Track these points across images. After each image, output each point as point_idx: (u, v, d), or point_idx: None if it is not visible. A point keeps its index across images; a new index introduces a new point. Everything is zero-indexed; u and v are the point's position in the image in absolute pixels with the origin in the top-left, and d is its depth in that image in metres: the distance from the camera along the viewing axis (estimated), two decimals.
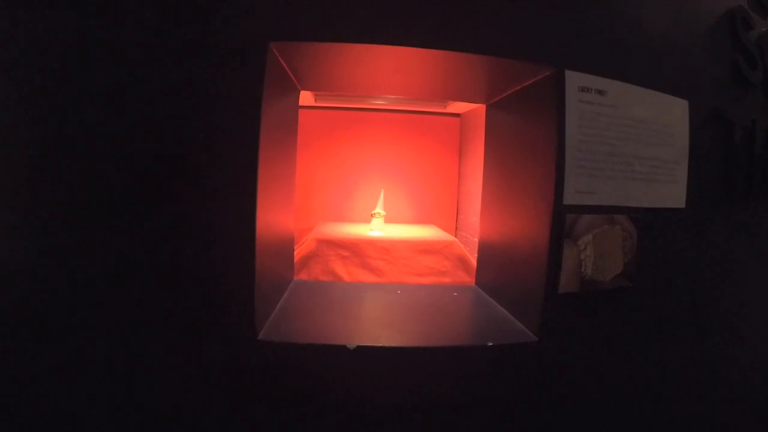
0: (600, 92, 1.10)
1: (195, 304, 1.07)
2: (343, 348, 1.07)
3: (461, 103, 2.72)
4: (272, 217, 1.17)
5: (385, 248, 1.89)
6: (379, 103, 3.04)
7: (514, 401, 1.14)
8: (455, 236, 2.80)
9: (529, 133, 1.25)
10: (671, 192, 1.23)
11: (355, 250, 1.89)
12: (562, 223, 1.07)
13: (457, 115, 3.26)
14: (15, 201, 1.06)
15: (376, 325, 1.22)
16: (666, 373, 1.27)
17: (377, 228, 2.35)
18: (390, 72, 1.30)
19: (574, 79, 1.07)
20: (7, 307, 1.08)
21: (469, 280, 1.81)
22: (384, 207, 2.57)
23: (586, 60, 1.11)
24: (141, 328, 1.07)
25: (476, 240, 1.92)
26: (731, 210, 1.31)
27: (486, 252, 1.59)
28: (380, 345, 1.09)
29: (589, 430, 1.21)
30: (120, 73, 1.02)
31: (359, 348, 1.07)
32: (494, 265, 1.50)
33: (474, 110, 2.90)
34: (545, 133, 1.15)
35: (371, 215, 2.46)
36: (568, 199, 1.07)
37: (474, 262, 1.84)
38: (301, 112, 1.53)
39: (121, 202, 1.05)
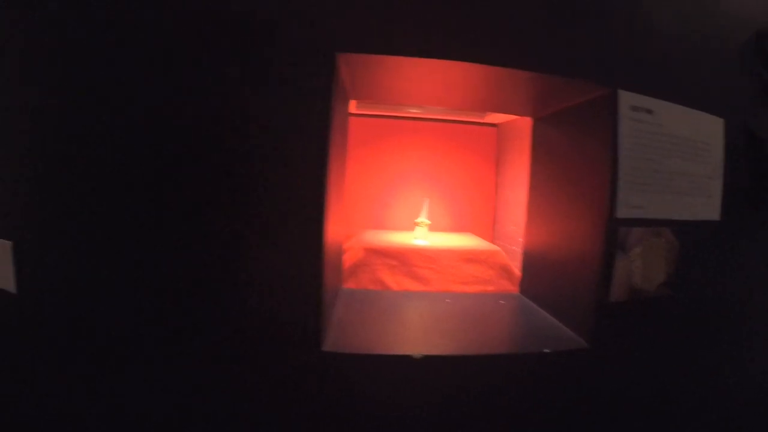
0: (648, 111, 1.15)
1: (260, 316, 1.08)
2: (407, 358, 1.09)
3: (499, 113, 2.74)
4: (330, 226, 1.20)
5: (431, 257, 1.92)
6: (415, 112, 3.08)
7: (570, 406, 1.18)
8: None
9: (580, 148, 1.29)
10: (707, 205, 1.27)
11: (403, 259, 1.92)
12: (615, 235, 1.11)
13: (494, 125, 3.29)
14: (76, 208, 1.07)
15: (432, 334, 1.25)
16: (708, 378, 1.32)
17: (421, 237, 2.38)
18: (439, 84, 1.34)
19: (626, 99, 1.12)
20: (63, 327, 1.09)
21: (512, 288, 1.83)
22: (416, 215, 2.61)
23: (636, 80, 1.15)
24: (205, 342, 1.08)
25: (515, 248, 1.95)
26: (762, 222, 1.35)
27: (531, 261, 1.62)
28: (444, 354, 1.11)
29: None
30: (187, 83, 1.04)
31: (425, 357, 1.09)
32: (540, 273, 1.53)
33: (512, 121, 2.93)
34: (597, 149, 1.19)
35: (415, 224, 2.50)
36: (620, 212, 1.11)
37: (516, 270, 1.87)
38: None
39: (190, 215, 1.06)
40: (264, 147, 1.05)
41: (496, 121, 3.21)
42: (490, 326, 1.33)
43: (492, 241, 3.20)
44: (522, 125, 2.20)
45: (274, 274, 1.07)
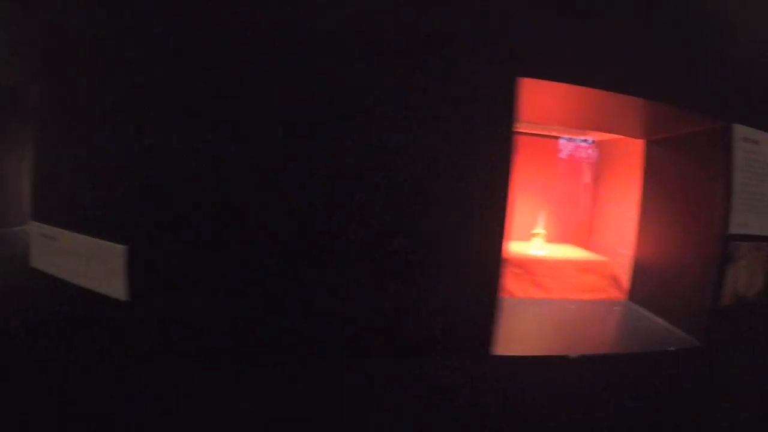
0: (755, 142, 1.34)
1: (435, 323, 1.12)
2: (564, 358, 1.19)
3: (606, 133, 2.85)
4: None
5: (552, 266, 2.10)
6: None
7: (690, 399, 1.34)
8: None
9: (693, 171, 1.46)
10: None
11: (526, 267, 2.08)
12: (728, 249, 1.30)
13: (591, 141, 3.41)
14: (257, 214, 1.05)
15: (570, 336, 1.42)
16: None
17: (538, 247, 2.57)
18: (566, 107, 1.50)
19: (739, 132, 1.31)
20: (180, 336, 1.08)
21: (620, 296, 2.00)
22: (526, 226, 2.77)
23: (746, 114, 1.31)
24: (374, 349, 1.11)
25: (616, 259, 2.12)
26: None
27: (642, 270, 1.82)
28: (593, 353, 1.23)
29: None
30: (365, 102, 1.05)
31: (580, 357, 1.19)
32: (651, 282, 1.72)
33: (611, 139, 3.03)
34: (710, 173, 1.36)
35: (531, 234, 2.66)
36: (733, 229, 1.30)
37: (623, 279, 2.04)
38: None
39: (377, 229, 1.07)
40: (449, 166, 1.09)
41: (594, 138, 3.33)
42: (615, 329, 1.54)
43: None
44: (621, 143, 2.34)
45: (452, 283, 1.12)
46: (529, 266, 2.07)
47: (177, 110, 1.05)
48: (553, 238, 3.35)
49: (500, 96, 1.09)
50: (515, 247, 2.61)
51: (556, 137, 3.37)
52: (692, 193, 1.48)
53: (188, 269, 1.07)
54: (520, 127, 3.00)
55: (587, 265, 2.12)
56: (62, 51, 1.17)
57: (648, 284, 1.77)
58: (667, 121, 1.50)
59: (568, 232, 3.44)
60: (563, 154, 3.37)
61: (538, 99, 1.32)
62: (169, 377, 1.09)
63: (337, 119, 1.05)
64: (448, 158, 1.09)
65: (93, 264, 1.08)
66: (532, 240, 2.67)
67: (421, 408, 1.15)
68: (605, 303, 1.90)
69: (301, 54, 1.03)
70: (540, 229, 2.72)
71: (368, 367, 1.12)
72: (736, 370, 1.39)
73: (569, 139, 3.37)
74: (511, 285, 2.01)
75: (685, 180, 1.53)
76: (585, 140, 3.36)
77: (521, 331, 1.42)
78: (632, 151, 1.98)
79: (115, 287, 1.06)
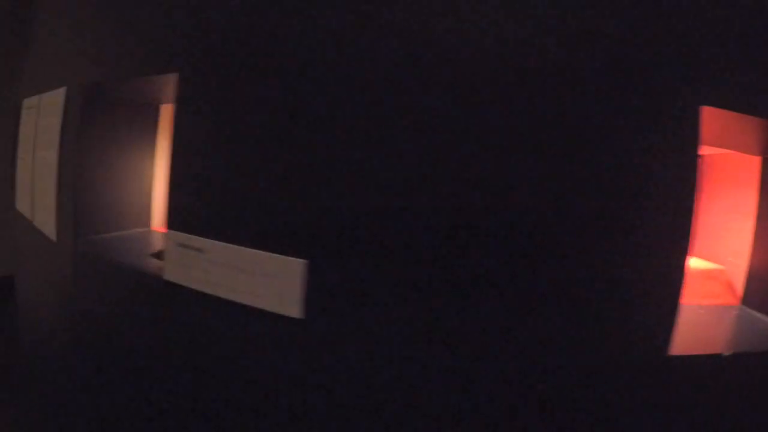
0: None
1: (612, 324, 1.15)
2: (719, 357, 1.27)
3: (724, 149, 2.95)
4: None
5: None
6: None
7: None
8: None
9: None
10: None
11: None
12: None
13: (699, 156, 3.51)
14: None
15: (713, 336, 1.58)
16: None
17: None
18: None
19: None
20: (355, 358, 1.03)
21: (734, 301, 2.16)
22: None
23: None
24: (551, 351, 1.13)
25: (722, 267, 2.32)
26: None
27: (758, 278, 1.99)
28: (744, 351, 1.34)
29: None
30: (561, 132, 1.08)
31: (733, 355, 1.28)
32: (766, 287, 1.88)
33: (719, 154, 3.14)
34: None
35: None
36: None
37: (735, 286, 2.27)
38: None
39: (576, 246, 1.11)
40: (636, 183, 1.11)
41: (701, 153, 3.43)
42: (744, 329, 1.69)
43: None
44: (729, 158, 2.49)
45: (635, 284, 1.16)
46: None
47: (370, 111, 1.00)
48: None
49: (685, 123, 1.14)
50: None
51: None
52: None
53: (369, 284, 1.02)
54: None
55: (709, 273, 2.30)
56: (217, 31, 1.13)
57: (765, 290, 1.93)
58: None
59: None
60: None
61: None
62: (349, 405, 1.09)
63: (543, 143, 1.09)
64: (636, 178, 1.13)
65: (260, 279, 1.01)
66: None
67: (601, 408, 1.20)
68: (724, 308, 2.07)
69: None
70: None
71: (553, 368, 1.16)
72: None
73: None
74: None
75: None
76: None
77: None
78: (742, 165, 2.14)
79: (289, 305, 1.00)
